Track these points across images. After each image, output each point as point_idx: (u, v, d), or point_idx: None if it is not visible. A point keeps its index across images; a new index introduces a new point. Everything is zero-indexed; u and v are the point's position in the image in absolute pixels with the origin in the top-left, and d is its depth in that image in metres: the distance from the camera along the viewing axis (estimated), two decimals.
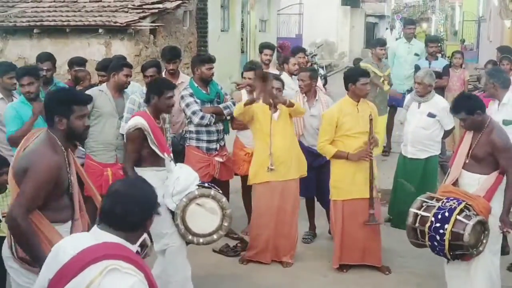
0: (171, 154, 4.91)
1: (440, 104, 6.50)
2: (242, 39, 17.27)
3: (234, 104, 6.26)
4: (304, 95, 6.42)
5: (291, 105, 5.67)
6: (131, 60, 9.95)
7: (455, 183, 4.85)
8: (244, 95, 6.54)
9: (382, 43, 9.22)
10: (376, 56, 8.90)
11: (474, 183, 4.72)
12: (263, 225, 5.79)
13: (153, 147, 4.72)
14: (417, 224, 4.62)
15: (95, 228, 2.56)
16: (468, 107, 4.73)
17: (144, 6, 10.76)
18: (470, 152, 4.77)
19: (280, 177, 5.76)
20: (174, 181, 4.62)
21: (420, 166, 6.57)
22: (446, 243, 4.40)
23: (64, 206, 3.54)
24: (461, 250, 4.46)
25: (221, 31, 15.29)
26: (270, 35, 19.50)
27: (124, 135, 5.00)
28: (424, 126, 6.46)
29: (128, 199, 2.52)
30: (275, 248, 5.88)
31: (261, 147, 5.79)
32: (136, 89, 6.29)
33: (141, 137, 4.73)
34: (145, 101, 4.97)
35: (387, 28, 22.94)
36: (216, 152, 6.24)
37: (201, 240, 4.66)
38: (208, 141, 6.18)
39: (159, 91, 4.85)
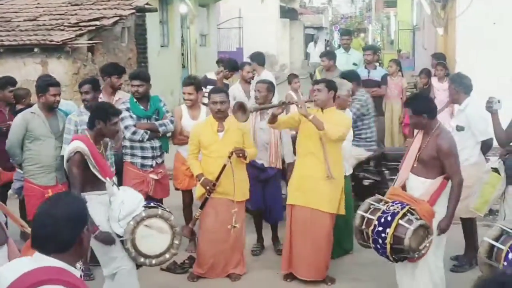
0: (114, 178, 4.82)
1: (349, 113, 6.52)
2: (182, 54, 17.22)
3: (172, 121, 6.24)
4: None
5: (244, 157, 5.64)
6: (68, 79, 9.79)
7: (404, 186, 4.93)
8: (185, 111, 6.52)
9: (324, 54, 9.29)
10: (324, 67, 9.01)
11: (420, 187, 4.81)
12: (210, 240, 5.74)
13: (94, 172, 4.62)
14: (363, 226, 4.69)
15: (36, 253, 2.48)
16: (416, 107, 4.83)
17: (80, 24, 10.57)
18: (417, 155, 4.86)
19: (225, 195, 5.70)
20: (119, 205, 4.52)
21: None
22: (388, 246, 4.51)
23: None
24: (403, 254, 4.56)
25: (161, 46, 15.21)
26: (211, 49, 19.53)
27: (65, 162, 4.85)
28: (349, 138, 6.45)
29: (51, 219, 2.44)
30: (223, 263, 5.83)
31: (206, 165, 5.77)
32: (71, 108, 6.18)
33: (82, 161, 4.61)
34: (89, 126, 4.80)
35: (315, 41, 23.18)
36: (151, 169, 6.17)
37: (153, 261, 4.60)
38: (143, 157, 6.13)
39: (105, 116, 4.73)
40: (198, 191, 5.86)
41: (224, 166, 5.56)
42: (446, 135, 4.85)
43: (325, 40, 36.46)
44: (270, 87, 6.31)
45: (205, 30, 19.67)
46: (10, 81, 7.05)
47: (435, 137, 4.78)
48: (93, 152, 4.64)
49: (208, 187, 5.63)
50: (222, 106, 5.68)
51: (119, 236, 4.55)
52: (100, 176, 4.62)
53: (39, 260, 2.44)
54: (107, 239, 4.51)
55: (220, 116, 5.71)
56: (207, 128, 5.75)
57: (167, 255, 4.64)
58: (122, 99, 6.52)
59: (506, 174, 5.18)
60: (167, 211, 4.71)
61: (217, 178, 5.60)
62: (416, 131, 5.17)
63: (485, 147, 5.86)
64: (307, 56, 23.10)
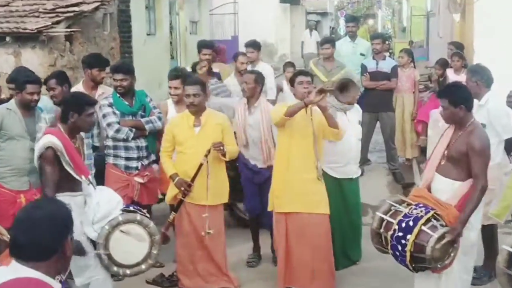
0: (90, 176, 4.79)
1: (360, 110, 6.57)
2: (171, 43, 17.20)
3: (160, 118, 6.24)
4: (245, 100, 6.36)
5: (223, 155, 5.65)
6: (45, 71, 9.75)
7: (429, 188, 4.84)
8: (171, 106, 6.51)
9: (327, 41, 9.22)
10: (323, 56, 8.94)
11: (448, 189, 4.73)
12: (185, 245, 5.75)
13: (68, 169, 4.58)
14: (381, 230, 4.65)
15: (13, 262, 2.48)
16: (454, 96, 4.73)
17: (57, 10, 10.56)
18: (446, 152, 4.81)
19: (197, 200, 5.70)
20: (94, 206, 4.49)
21: (358, 185, 6.62)
22: (408, 254, 4.43)
23: None
24: (424, 263, 4.50)
25: (147, 35, 15.20)
26: (203, 38, 19.48)
27: (35, 159, 4.77)
28: (360, 137, 6.48)
29: (30, 225, 2.45)
30: (206, 271, 5.83)
31: (178, 167, 5.79)
32: (46, 103, 6.16)
33: (55, 157, 4.56)
34: (62, 120, 4.77)
35: (311, 29, 22.68)
36: (137, 172, 6.16)
37: (127, 271, 4.55)
38: (127, 159, 6.11)
39: (79, 107, 4.71)
40: (170, 192, 5.83)
41: (201, 165, 5.55)
42: (481, 132, 4.75)
43: (330, 27, 36.49)
44: (258, 79, 6.28)
45: (196, 17, 19.66)
46: None
47: (468, 133, 4.70)
48: (67, 147, 4.59)
49: (183, 188, 5.63)
50: (196, 99, 5.64)
51: (92, 242, 4.52)
52: (74, 174, 4.57)
53: (16, 270, 2.44)
54: (78, 249, 4.37)
55: (193, 110, 5.68)
56: (183, 122, 5.73)
57: (143, 266, 4.60)
58: (104, 93, 6.51)
59: None
60: (146, 216, 4.68)
61: (193, 179, 5.60)
62: (438, 127, 5.10)
63: (510, 145, 5.83)
64: (301, 45, 22.86)
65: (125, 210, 4.61)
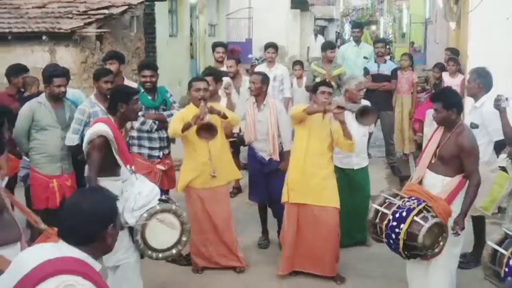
0: (134, 166, 4.79)
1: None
2: (191, 44, 17.20)
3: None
4: (254, 98, 6.41)
5: (225, 117, 5.63)
6: (76, 68, 9.81)
7: (420, 183, 4.88)
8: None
9: (332, 46, 9.38)
10: (326, 59, 9.01)
11: (438, 184, 4.75)
12: (197, 230, 5.74)
13: (117, 157, 4.59)
14: (377, 220, 4.67)
15: (61, 241, 2.51)
16: (447, 100, 4.73)
17: (89, 12, 10.57)
18: (437, 151, 4.81)
19: (207, 184, 5.73)
20: (135, 195, 4.49)
21: (365, 174, 6.60)
22: (401, 242, 4.46)
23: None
24: (416, 251, 4.53)
25: (170, 36, 15.20)
26: (220, 40, 19.42)
27: (84, 143, 4.74)
28: (365, 134, 6.47)
29: (76, 211, 2.49)
30: (217, 253, 5.87)
31: (191, 155, 5.75)
32: (78, 97, 6.16)
33: (105, 145, 4.57)
34: (111, 112, 4.76)
35: (316, 34, 22.51)
36: (159, 160, 6.18)
37: (160, 255, 4.58)
38: (150, 148, 6.13)
39: (125, 97, 4.71)
40: (181, 182, 5.81)
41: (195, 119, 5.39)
42: (468, 133, 4.77)
43: (336, 32, 36.36)
44: (264, 79, 6.35)
45: (214, 20, 19.64)
46: (24, 68, 7.11)
47: (457, 134, 4.71)
48: (117, 137, 4.60)
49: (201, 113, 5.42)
50: (206, 93, 5.67)
51: (129, 227, 4.54)
52: (121, 164, 4.60)
53: (62, 249, 2.48)
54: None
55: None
56: (190, 116, 5.59)
57: (173, 251, 4.63)
58: None
59: None
60: (179, 207, 4.71)
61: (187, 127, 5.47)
62: (434, 125, 5.08)
63: (500, 146, 5.78)
64: (307, 50, 22.82)
65: (161, 200, 4.62)
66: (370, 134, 6.65)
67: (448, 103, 4.71)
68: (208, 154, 5.66)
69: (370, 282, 5.67)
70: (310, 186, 5.56)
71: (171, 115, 6.15)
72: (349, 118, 5.73)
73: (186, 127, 5.46)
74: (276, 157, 6.30)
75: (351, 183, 6.32)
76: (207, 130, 5.33)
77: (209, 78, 6.34)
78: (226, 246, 5.88)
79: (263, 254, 6.37)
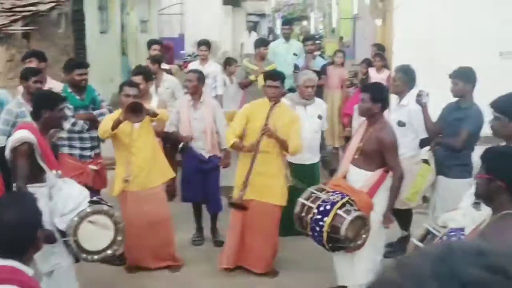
0: (60, 171, 4.72)
1: (322, 104, 6.72)
2: (122, 41, 16.93)
3: (110, 111, 6.18)
4: (190, 97, 6.40)
5: (154, 115, 5.59)
6: (2, 66, 9.51)
7: (345, 178, 5.02)
8: None
9: (266, 43, 9.48)
10: (260, 56, 9.09)
11: (361, 178, 4.90)
12: (134, 235, 5.66)
13: (41, 164, 4.50)
14: (303, 214, 4.79)
15: None
16: (376, 94, 4.87)
17: (15, 9, 10.27)
18: (359, 147, 4.95)
19: (142, 186, 5.67)
20: (64, 199, 4.44)
21: (316, 170, 6.72)
22: (325, 235, 4.62)
23: None
24: (339, 243, 4.69)
25: (100, 33, 14.91)
26: (152, 36, 19.18)
27: (7, 150, 4.62)
28: (317, 130, 6.53)
29: (3, 226, 2.43)
30: (153, 254, 5.82)
31: (122, 157, 5.67)
32: (3, 97, 5.99)
33: (30, 151, 4.46)
34: (34, 118, 4.65)
35: (249, 31, 22.61)
36: (91, 160, 6.11)
37: (95, 257, 4.55)
38: (82, 148, 6.05)
39: (51, 104, 4.59)
40: (117, 184, 5.72)
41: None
42: (389, 129, 4.94)
43: (268, 27, 36.59)
44: (201, 77, 6.35)
45: (146, 16, 19.40)
46: None
47: (378, 130, 4.87)
48: (40, 143, 4.50)
49: None
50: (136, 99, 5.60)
51: (60, 232, 4.47)
52: (47, 169, 4.51)
53: None
54: (50, 238, 4.31)
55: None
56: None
57: (109, 251, 4.61)
58: (54, 89, 6.36)
59: (436, 165, 5.39)
60: (111, 207, 4.67)
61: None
62: (359, 120, 5.23)
63: (424, 143, 5.97)
64: (241, 47, 22.93)
65: (92, 202, 4.58)
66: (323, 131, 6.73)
67: (376, 96, 4.86)
68: (141, 156, 5.61)
69: (301, 275, 5.79)
70: (256, 183, 5.60)
71: (102, 114, 6.08)
72: (302, 113, 5.89)
73: (115, 124, 5.38)
74: (217, 153, 6.33)
75: (302, 178, 6.37)
76: (134, 111, 5.24)
77: (139, 77, 6.30)
78: (163, 248, 5.86)
79: (197, 251, 6.39)
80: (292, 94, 6.68)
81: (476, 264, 0.58)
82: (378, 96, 4.89)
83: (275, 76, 5.78)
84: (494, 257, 0.59)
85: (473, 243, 0.65)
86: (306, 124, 6.07)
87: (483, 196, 2.99)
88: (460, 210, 3.74)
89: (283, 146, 5.52)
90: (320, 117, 6.49)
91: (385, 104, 4.98)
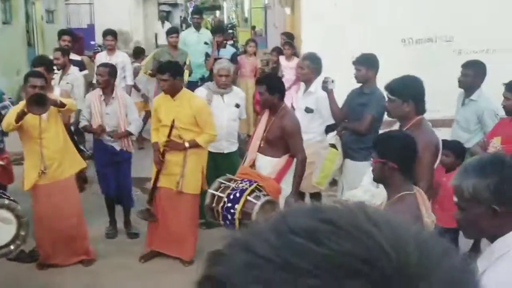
0: None
1: (240, 93, 6.76)
2: (28, 31, 16.30)
3: (13, 103, 5.98)
4: (101, 91, 6.24)
5: (62, 105, 5.42)
6: None
7: (253, 165, 5.13)
8: None
9: (174, 31, 9.44)
10: (170, 44, 9.11)
11: (268, 165, 5.04)
12: (45, 229, 5.58)
13: None
14: (213, 204, 4.84)
15: None
16: (271, 85, 5.00)
17: None
18: (264, 135, 5.06)
19: (54, 178, 5.54)
20: None
21: (235, 158, 6.76)
22: (237, 222, 4.69)
23: None
24: None
25: (3, 23, 14.30)
26: (59, 26, 18.55)
27: None
28: (234, 118, 6.55)
29: None
30: (65, 249, 5.70)
31: (32, 150, 5.49)
32: None
33: None
34: None
35: (163, 21, 22.37)
36: None
37: None
38: None
39: None
40: (27, 178, 5.54)
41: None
42: (290, 116, 5.10)
43: (181, 17, 36.25)
44: (112, 71, 6.22)
45: (52, 6, 18.76)
46: None
47: (280, 118, 5.01)
48: None
49: None
50: (42, 90, 5.40)
51: None
52: None
53: None
54: None
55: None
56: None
57: (12, 247, 4.47)
58: None
59: (343, 149, 5.57)
60: (13, 200, 4.52)
61: None
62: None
63: (330, 129, 6.11)
64: (155, 37, 22.68)
65: None
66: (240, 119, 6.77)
67: (271, 88, 5.01)
68: (52, 148, 5.47)
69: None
70: (172, 171, 5.61)
71: (4, 107, 5.89)
72: (220, 102, 5.89)
73: (19, 117, 5.17)
74: (130, 149, 6.27)
75: (221, 167, 6.34)
76: (37, 102, 5.03)
77: (40, 68, 6.12)
78: (75, 242, 5.74)
79: (111, 244, 6.30)
80: (209, 83, 6.70)
81: (310, 217, 0.63)
82: (273, 87, 5.04)
83: (162, 69, 5.73)
84: (329, 212, 0.64)
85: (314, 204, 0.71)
86: (223, 113, 6.10)
87: (380, 179, 3.19)
88: (362, 187, 3.92)
89: (193, 146, 5.57)
90: (237, 105, 6.53)
91: (283, 94, 5.11)
